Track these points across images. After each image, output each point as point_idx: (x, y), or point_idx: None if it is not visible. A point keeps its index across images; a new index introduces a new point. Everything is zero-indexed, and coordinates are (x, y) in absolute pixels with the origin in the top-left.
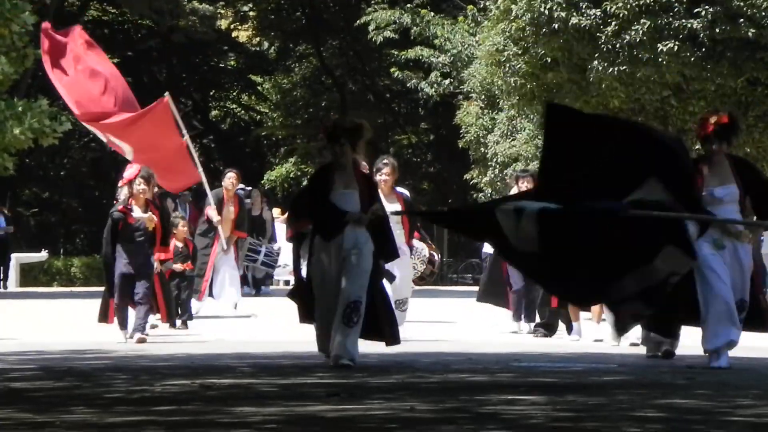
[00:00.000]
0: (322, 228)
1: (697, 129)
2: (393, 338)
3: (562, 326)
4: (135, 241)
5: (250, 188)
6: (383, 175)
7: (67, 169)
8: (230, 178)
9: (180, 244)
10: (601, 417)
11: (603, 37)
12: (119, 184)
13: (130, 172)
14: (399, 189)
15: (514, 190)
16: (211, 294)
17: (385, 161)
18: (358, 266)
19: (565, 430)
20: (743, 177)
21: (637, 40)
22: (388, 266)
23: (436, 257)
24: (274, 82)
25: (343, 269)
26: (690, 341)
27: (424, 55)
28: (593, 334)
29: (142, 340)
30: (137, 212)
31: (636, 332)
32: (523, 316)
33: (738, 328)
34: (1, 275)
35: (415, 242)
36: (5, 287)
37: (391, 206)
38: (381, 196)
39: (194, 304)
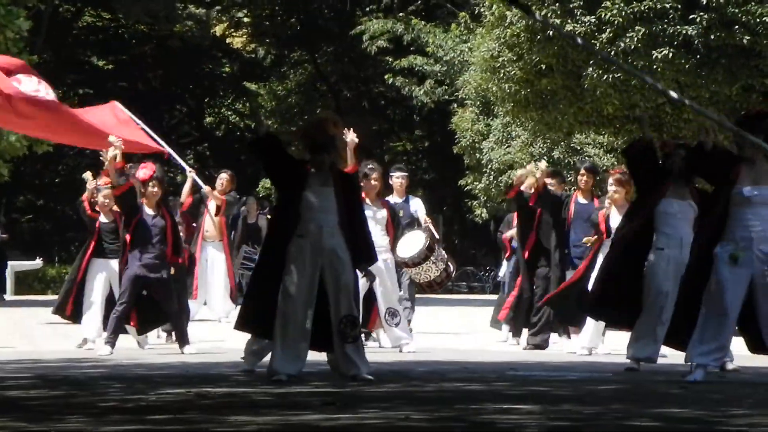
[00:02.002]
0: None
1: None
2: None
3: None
4: (151, 243)
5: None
6: (372, 181)
7: (62, 176)
8: (221, 179)
9: None
10: (596, 426)
11: (597, 44)
12: (100, 183)
13: (144, 171)
14: (413, 198)
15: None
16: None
17: (371, 167)
18: (340, 279)
19: None
20: None
21: (632, 47)
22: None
23: (452, 267)
24: (268, 89)
25: (326, 279)
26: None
27: (418, 63)
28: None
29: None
30: (148, 212)
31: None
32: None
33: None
34: None
35: (439, 247)
36: (2, 297)
37: (378, 212)
38: (368, 201)
39: (192, 306)
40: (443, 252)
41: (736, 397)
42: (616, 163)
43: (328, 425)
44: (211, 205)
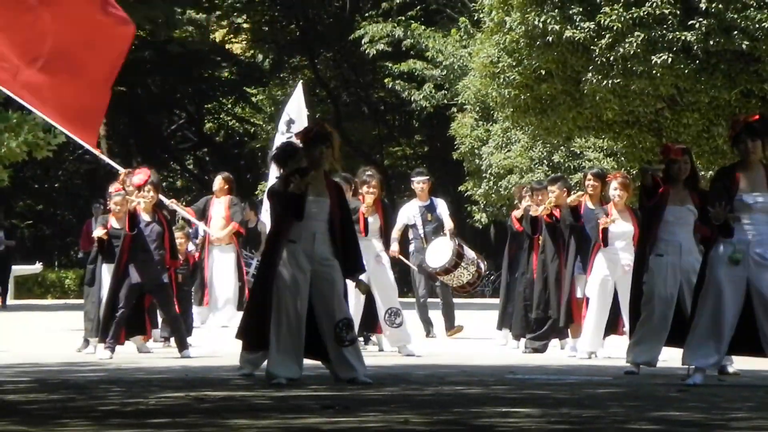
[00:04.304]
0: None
1: (729, 132)
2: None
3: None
4: (149, 249)
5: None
6: (371, 188)
7: (62, 181)
8: (218, 182)
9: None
10: (596, 429)
11: (597, 50)
12: (112, 190)
13: (139, 177)
14: (437, 200)
15: (525, 203)
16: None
17: (370, 173)
18: (333, 285)
19: None
20: None
21: (631, 52)
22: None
23: (483, 266)
24: (268, 94)
25: (316, 286)
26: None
27: (417, 68)
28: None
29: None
30: (144, 218)
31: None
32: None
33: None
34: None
35: (466, 249)
36: (4, 303)
37: (372, 218)
38: (365, 207)
39: (199, 313)
40: (472, 253)
41: (735, 400)
42: (616, 166)
43: (327, 428)
44: (217, 210)
